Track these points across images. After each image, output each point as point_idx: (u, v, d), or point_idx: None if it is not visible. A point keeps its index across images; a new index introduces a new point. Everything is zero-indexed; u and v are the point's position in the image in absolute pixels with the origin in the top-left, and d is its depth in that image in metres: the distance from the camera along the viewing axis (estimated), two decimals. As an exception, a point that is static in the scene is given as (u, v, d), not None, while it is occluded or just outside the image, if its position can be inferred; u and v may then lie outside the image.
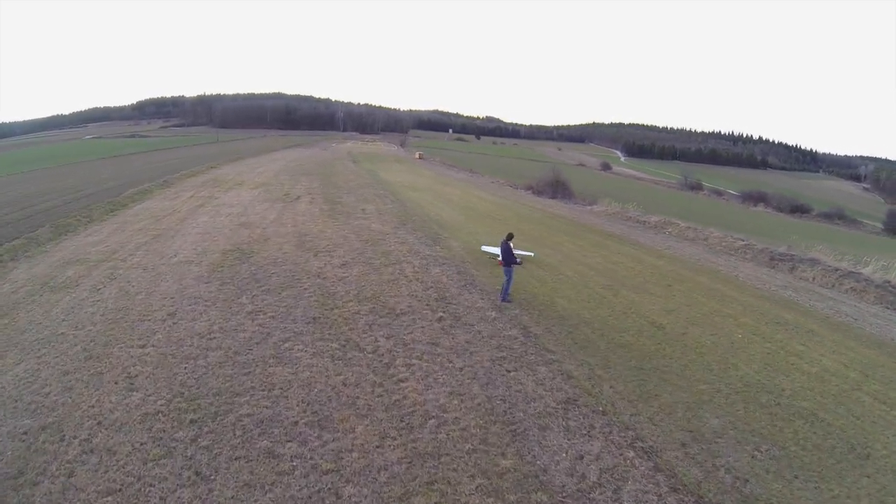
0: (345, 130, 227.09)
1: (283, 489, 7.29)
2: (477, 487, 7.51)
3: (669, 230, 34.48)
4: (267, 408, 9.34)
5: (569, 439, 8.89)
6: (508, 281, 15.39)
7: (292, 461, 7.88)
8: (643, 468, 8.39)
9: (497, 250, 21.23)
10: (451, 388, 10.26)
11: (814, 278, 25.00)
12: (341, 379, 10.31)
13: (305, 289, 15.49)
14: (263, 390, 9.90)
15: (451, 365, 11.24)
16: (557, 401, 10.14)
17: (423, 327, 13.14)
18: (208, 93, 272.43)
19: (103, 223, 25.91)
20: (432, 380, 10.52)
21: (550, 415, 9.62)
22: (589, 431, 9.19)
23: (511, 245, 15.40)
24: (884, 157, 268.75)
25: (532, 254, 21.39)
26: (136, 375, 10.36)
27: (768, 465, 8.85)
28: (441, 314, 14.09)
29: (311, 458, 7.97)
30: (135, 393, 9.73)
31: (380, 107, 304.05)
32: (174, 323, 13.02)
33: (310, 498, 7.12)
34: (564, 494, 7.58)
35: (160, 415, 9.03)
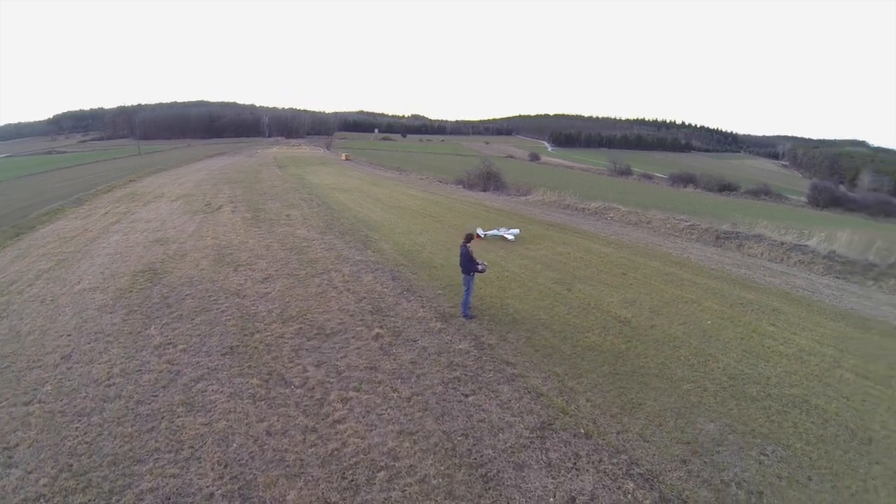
0: (270, 136, 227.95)
1: None
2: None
3: (611, 215, 34.55)
4: (174, 476, 7.61)
5: (553, 477, 7.72)
6: (467, 292, 14.02)
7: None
8: (648, 502, 7.26)
9: (501, 233, 21.72)
10: (400, 425, 8.94)
11: (762, 254, 25.74)
12: (265, 427, 8.82)
13: (223, 311, 14.24)
14: (170, 452, 8.20)
15: (396, 395, 9.94)
16: (530, 427, 8.97)
17: (358, 348, 11.92)
18: (129, 103, 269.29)
19: (4, 250, 23.20)
20: (375, 416, 9.17)
21: (525, 447, 8.41)
22: (575, 463, 8.07)
23: (470, 249, 13.83)
24: (800, 136, 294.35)
25: (517, 230, 23.44)
26: (17, 445, 8.43)
27: (779, 470, 8.14)
28: (378, 330, 12.90)
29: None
30: (12, 471, 7.79)
31: (305, 110, 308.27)
32: (68, 368, 11.11)
33: None
34: None
35: (42, 501, 7.20)
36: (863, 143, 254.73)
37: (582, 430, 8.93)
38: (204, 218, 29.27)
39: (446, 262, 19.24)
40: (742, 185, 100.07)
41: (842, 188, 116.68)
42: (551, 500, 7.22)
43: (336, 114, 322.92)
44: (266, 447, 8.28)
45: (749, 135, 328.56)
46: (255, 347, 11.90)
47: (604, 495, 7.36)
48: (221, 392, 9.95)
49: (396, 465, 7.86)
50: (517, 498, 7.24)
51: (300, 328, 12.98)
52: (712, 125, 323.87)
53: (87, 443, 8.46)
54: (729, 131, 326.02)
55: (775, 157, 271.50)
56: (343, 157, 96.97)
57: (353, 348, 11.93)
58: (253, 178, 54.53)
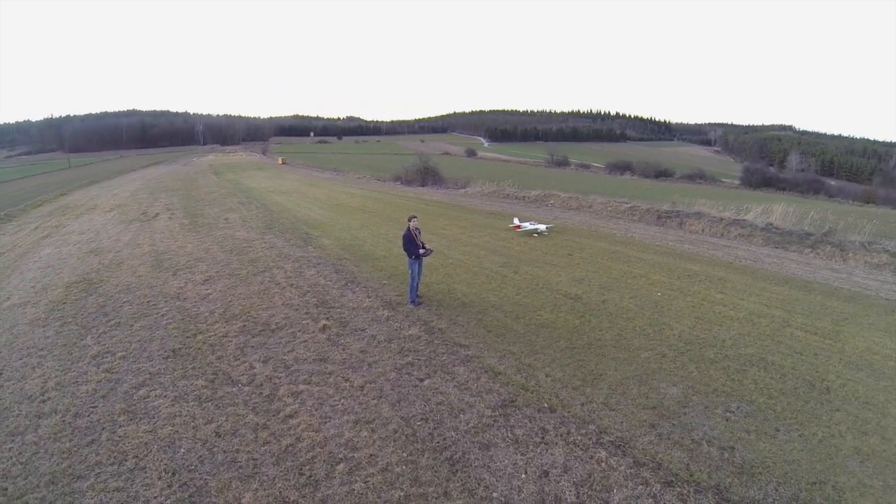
0: (206, 144, 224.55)
1: None
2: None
3: (552, 202, 35.46)
4: (119, 490, 7.02)
5: (522, 454, 7.59)
6: (413, 277, 13.90)
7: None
8: (623, 468, 7.22)
9: (536, 227, 22.46)
10: (356, 414, 8.69)
11: (703, 230, 27.10)
12: (213, 428, 8.39)
13: (163, 315, 13.93)
14: (113, 464, 7.60)
15: (348, 384, 9.72)
16: (492, 406, 8.88)
17: (305, 341, 11.74)
18: (57, 115, 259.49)
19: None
20: (329, 408, 8.89)
21: (489, 426, 8.28)
22: (543, 437, 8.00)
23: (413, 231, 13.60)
24: (730, 123, 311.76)
25: (544, 227, 24.27)
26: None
27: (746, 425, 8.41)
28: (325, 322, 12.78)
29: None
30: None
31: (240, 116, 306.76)
32: (-1, 387, 10.34)
33: None
34: None
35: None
36: (790, 128, 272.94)
37: (545, 405, 8.86)
38: (140, 226, 28.83)
39: (388, 254, 19.46)
40: (677, 171, 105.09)
41: (772, 170, 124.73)
42: (523, 476, 7.06)
43: (271, 119, 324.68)
44: (216, 449, 7.81)
45: (682, 123, 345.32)
46: (199, 348, 11.54)
47: (577, 466, 7.28)
48: (165, 397, 9.48)
49: (356, 455, 7.58)
50: (487, 478, 7.07)
51: (244, 326, 12.74)
52: (646, 115, 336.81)
53: (21, 463, 7.77)
54: (663, 120, 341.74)
55: (708, 143, 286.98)
56: (279, 162, 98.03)
57: (300, 342, 11.76)
58: (189, 186, 54.19)
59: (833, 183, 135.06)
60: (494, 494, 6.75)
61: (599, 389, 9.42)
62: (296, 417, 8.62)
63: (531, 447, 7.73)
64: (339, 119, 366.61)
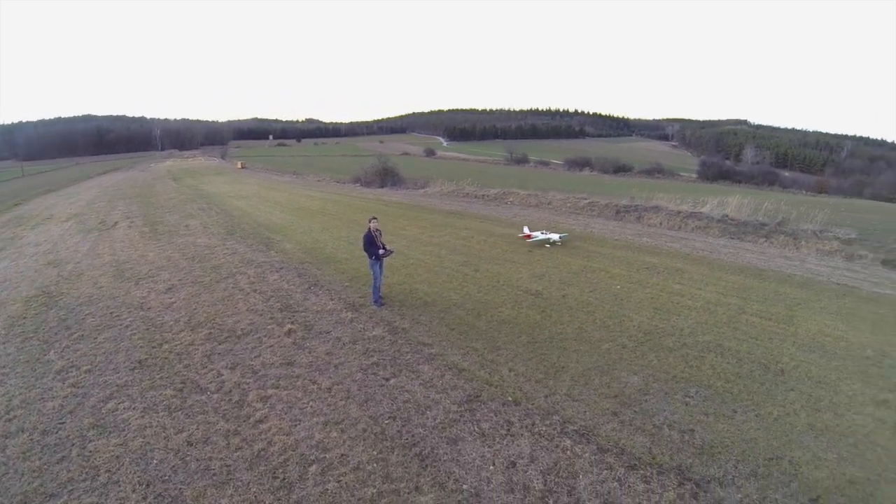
0: (163, 149, 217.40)
1: None
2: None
3: (511, 200, 36.05)
4: None
5: (489, 446, 7.87)
6: (376, 278, 14.15)
7: None
8: (587, 454, 7.55)
9: (548, 236, 20.52)
10: (325, 416, 8.86)
11: (661, 223, 28.06)
12: (185, 437, 8.40)
13: (127, 326, 13.73)
14: (85, 480, 7.51)
15: (315, 387, 9.89)
16: (457, 402, 9.14)
17: (271, 346, 11.85)
18: (8, 121, 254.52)
19: None
20: (298, 411, 9.05)
21: (456, 422, 8.55)
22: (509, 430, 8.30)
23: (373, 232, 13.89)
24: (687, 118, 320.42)
25: (557, 236, 21.92)
26: None
27: (705, 408, 8.89)
28: (290, 326, 12.94)
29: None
30: None
31: (198, 120, 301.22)
32: (-38, 409, 10.04)
33: None
34: None
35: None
36: (745, 122, 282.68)
37: (510, 398, 9.12)
38: (99, 236, 28.20)
39: (350, 256, 19.60)
40: (636, 166, 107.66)
41: (728, 163, 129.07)
42: (491, 467, 7.29)
43: (230, 122, 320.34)
44: (188, 458, 7.81)
45: (640, 119, 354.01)
46: (165, 358, 11.48)
47: (543, 455, 7.55)
48: (134, 408, 9.39)
49: (327, 456, 7.72)
50: (456, 471, 7.29)
51: (210, 333, 12.73)
52: (605, 111, 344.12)
53: (-9, 486, 7.61)
54: (621, 116, 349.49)
55: (665, 138, 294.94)
56: (239, 166, 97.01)
57: (266, 346, 11.85)
58: (148, 193, 53.12)
59: (787, 174, 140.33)
60: (464, 486, 6.97)
61: (562, 381, 9.73)
62: (266, 422, 8.71)
63: (498, 439, 7.97)
64: (298, 121, 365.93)
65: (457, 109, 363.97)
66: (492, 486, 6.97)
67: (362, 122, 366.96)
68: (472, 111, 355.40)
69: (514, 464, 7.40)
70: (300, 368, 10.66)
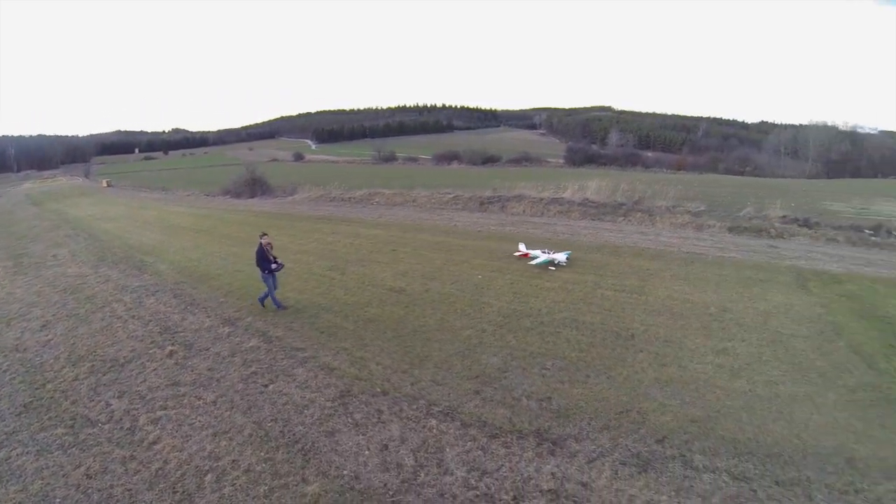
0: (20, 171, 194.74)
1: None
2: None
3: (377, 200, 37.21)
4: None
5: (363, 434, 8.84)
6: (271, 288, 14.97)
7: None
8: (452, 430, 8.64)
9: (552, 256, 18.73)
10: (213, 427, 9.50)
11: (524, 211, 30.30)
12: (83, 471, 8.61)
13: (4, 371, 13.14)
14: None
15: (201, 402, 10.49)
16: (331, 398, 10.07)
17: (155, 370, 12.18)
18: None
19: None
20: (188, 427, 9.60)
21: (331, 416, 9.48)
22: (379, 417, 9.29)
23: (265, 246, 14.59)
24: (554, 107, 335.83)
25: (563, 255, 18.96)
26: None
27: (560, 377, 10.25)
28: (171, 348, 13.33)
29: None
30: None
31: (57, 136, 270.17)
32: None
33: None
34: (391, 492, 7.33)
35: None
36: (609, 108, 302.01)
37: (378, 390, 10.03)
38: None
39: (223, 272, 19.86)
40: (504, 156, 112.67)
41: (594, 147, 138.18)
42: (367, 452, 8.17)
43: (92, 136, 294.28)
44: (90, 490, 8.02)
45: (508, 110, 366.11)
46: (51, 397, 11.31)
47: (411, 436, 8.55)
48: (27, 453, 9.28)
49: (220, 464, 8.32)
50: (336, 460, 8.16)
51: (93, 366, 12.68)
52: (473, 104, 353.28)
53: None
54: (489, 108, 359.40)
55: (533, 127, 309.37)
56: (104, 184, 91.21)
57: (150, 371, 12.09)
58: (7, 221, 49.08)
59: (650, 155, 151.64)
60: (345, 472, 7.80)
61: (426, 369, 10.77)
62: (159, 442, 9.08)
63: (370, 427, 8.88)
64: (164, 132, 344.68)
65: (325, 111, 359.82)
66: (369, 468, 7.84)
67: (231, 130, 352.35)
68: (341, 112, 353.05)
69: (386, 446, 8.30)
70: (185, 387, 11.07)
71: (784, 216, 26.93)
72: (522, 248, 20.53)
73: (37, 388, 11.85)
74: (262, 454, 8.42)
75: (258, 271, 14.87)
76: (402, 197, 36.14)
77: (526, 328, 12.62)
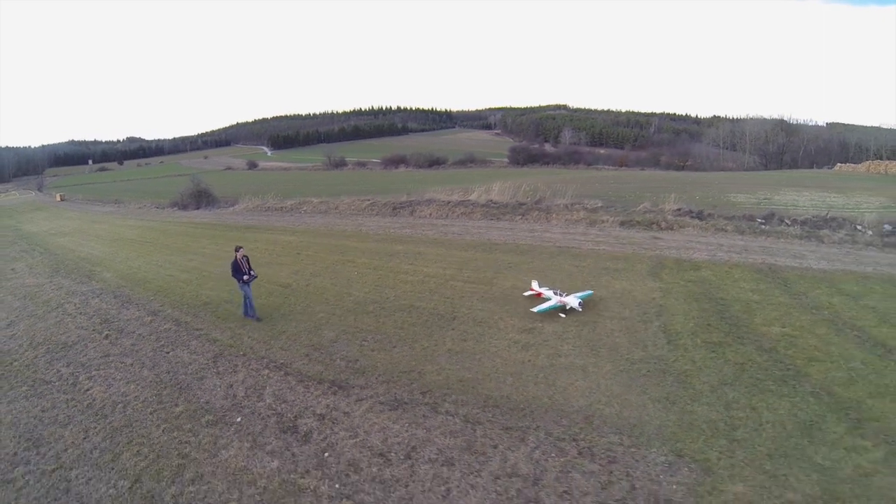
0: None
1: None
2: (163, 430, 10.91)
3: (305, 209, 41.29)
4: None
5: (220, 378, 13.07)
6: (247, 297, 17.03)
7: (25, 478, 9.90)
8: (276, 377, 12.76)
9: (563, 300, 15.29)
10: (128, 379, 13.67)
11: (431, 214, 34.08)
12: (39, 408, 12.64)
13: None
14: None
15: (123, 364, 14.64)
16: (208, 358, 14.31)
17: (94, 347, 16.17)
18: None
19: None
20: (112, 380, 13.74)
21: (204, 369, 13.72)
22: (234, 370, 13.43)
23: (239, 260, 16.65)
24: (510, 106, 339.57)
25: (577, 301, 15.22)
26: None
27: (373, 346, 13.96)
28: (107, 332, 17.27)
29: (38, 466, 10.22)
30: None
31: (7, 147, 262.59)
32: None
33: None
34: (224, 410, 11.43)
35: None
36: (564, 107, 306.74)
37: (241, 353, 14.27)
38: None
39: (157, 277, 23.73)
40: (450, 158, 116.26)
41: (536, 147, 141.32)
42: (218, 389, 12.49)
43: (44, 147, 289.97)
44: (44, 418, 12.09)
45: (463, 111, 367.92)
46: (18, 370, 15.13)
47: (249, 380, 12.74)
48: (1, 402, 13.16)
49: (128, 398, 12.56)
50: (199, 393, 12.41)
51: (48, 348, 16.60)
52: (427, 106, 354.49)
53: None
54: (444, 110, 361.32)
55: (489, 127, 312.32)
56: (58, 198, 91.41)
57: (90, 349, 16.07)
58: None
59: (602, 151, 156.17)
60: (201, 400, 12.05)
61: (279, 340, 14.92)
62: (92, 389, 13.28)
63: (225, 375, 13.12)
64: (118, 141, 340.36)
65: (281, 116, 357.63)
66: (216, 396, 12.15)
67: (186, 138, 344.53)
68: (297, 117, 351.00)
69: (231, 385, 12.56)
70: (113, 357, 15.24)
71: (678, 209, 28.40)
72: (536, 286, 16.88)
73: (6, 366, 15.59)
74: (155, 392, 12.66)
75: (234, 282, 17.12)
76: (327, 205, 40.26)
77: (368, 312, 16.37)
